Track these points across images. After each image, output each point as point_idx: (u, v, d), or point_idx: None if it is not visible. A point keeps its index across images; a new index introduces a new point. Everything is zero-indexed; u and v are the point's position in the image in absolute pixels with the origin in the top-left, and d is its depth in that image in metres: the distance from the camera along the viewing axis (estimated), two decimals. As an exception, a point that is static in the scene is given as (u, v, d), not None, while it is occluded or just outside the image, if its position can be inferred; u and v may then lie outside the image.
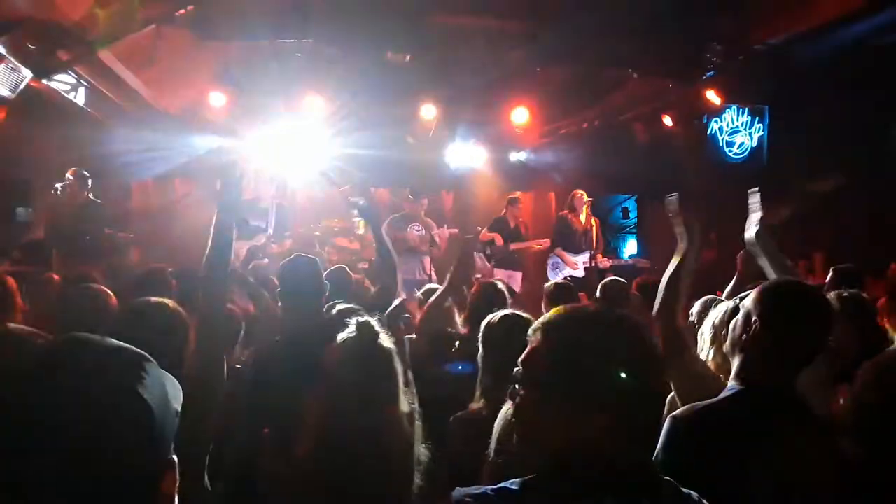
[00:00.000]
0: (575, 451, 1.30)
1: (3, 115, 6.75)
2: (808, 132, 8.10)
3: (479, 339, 2.71)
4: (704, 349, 2.72)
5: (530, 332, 1.43)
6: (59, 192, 6.84)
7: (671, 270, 2.63)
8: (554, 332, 1.38)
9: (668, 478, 1.36)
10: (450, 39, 6.91)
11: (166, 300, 2.42)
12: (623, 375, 1.30)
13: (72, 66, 6.85)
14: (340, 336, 2.00)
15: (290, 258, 3.62)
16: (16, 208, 8.27)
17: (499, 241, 8.83)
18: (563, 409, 1.32)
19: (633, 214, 11.45)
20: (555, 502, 1.28)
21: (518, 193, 9.77)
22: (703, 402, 2.01)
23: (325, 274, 3.64)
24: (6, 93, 6.24)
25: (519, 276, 8.87)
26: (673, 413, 1.98)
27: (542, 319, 1.43)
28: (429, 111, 10.00)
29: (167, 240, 7.93)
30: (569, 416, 1.31)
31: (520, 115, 10.06)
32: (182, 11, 6.42)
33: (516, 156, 11.09)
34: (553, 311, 1.43)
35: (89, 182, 6.93)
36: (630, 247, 11.78)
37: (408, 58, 7.02)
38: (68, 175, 6.87)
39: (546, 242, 8.85)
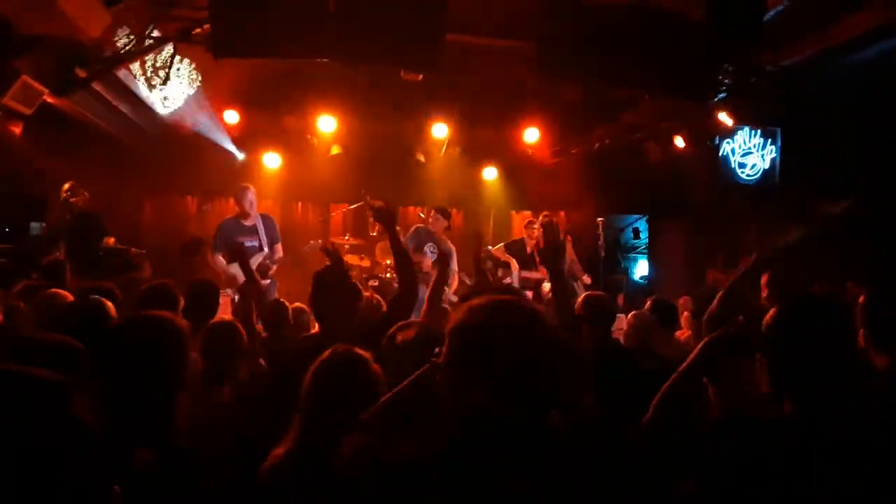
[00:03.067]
0: (474, 416, 1.50)
1: (19, 130, 6.84)
2: (820, 154, 8.08)
3: None
4: None
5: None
6: (62, 206, 6.90)
7: (730, 284, 2.63)
8: (455, 321, 1.62)
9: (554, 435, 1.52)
10: (464, 58, 6.95)
11: (166, 314, 2.35)
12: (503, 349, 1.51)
13: (89, 83, 6.94)
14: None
15: (322, 270, 3.59)
16: (30, 223, 8.36)
17: (514, 267, 8.72)
18: (461, 381, 1.54)
19: (643, 235, 11.43)
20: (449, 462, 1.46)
21: (534, 217, 9.73)
22: (751, 418, 1.99)
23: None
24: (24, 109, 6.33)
25: None
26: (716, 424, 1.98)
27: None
28: (440, 130, 10.07)
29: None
30: (466, 386, 1.53)
31: (531, 135, 10.11)
32: (198, 30, 6.50)
33: (528, 175, 11.11)
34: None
35: (82, 194, 6.97)
36: (641, 268, 11.74)
37: (420, 76, 7.06)
38: (64, 187, 6.91)
39: (587, 279, 8.62)
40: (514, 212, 11.43)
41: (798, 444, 1.86)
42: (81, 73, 6.66)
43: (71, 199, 6.82)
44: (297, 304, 4.89)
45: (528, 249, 8.82)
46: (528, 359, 1.51)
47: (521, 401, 1.50)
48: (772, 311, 2.01)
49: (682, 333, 5.18)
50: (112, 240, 6.75)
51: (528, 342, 1.53)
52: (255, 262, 6.53)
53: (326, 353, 2.34)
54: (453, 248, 8.02)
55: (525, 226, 9.16)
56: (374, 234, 9.19)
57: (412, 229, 8.42)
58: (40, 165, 7.30)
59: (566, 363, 1.64)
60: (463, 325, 1.58)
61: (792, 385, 1.94)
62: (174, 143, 9.70)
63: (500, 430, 1.48)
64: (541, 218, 8.58)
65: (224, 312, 4.90)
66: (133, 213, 9.93)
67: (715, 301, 2.64)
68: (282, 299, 4.94)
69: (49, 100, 6.68)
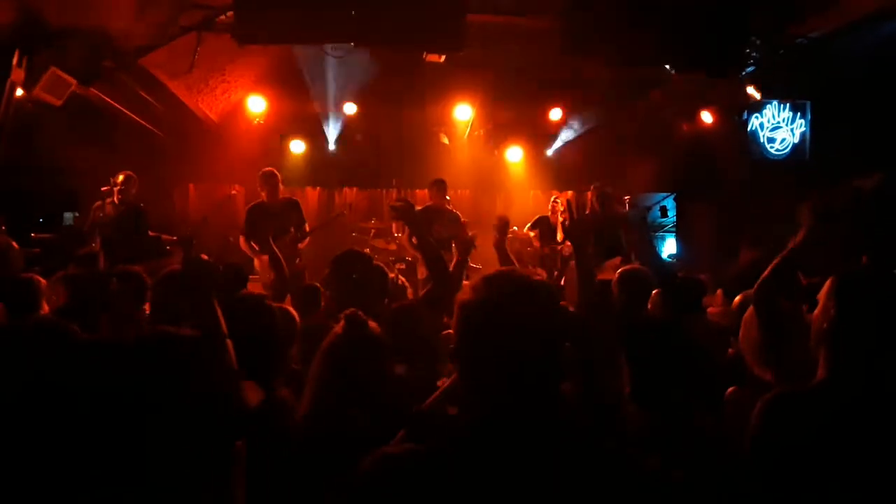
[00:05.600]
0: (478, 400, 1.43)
1: (50, 122, 6.95)
2: (851, 127, 7.94)
3: None
4: None
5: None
6: (106, 196, 6.98)
7: (785, 252, 2.56)
8: (462, 296, 1.51)
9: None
10: (487, 38, 6.92)
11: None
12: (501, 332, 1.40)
13: (115, 73, 7.02)
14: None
15: (342, 253, 3.64)
16: (64, 214, 8.51)
17: (536, 242, 8.76)
18: (465, 371, 1.47)
19: (671, 213, 11.32)
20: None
21: (560, 195, 9.69)
22: (793, 389, 2.01)
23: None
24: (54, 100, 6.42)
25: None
26: (764, 395, 1.98)
27: None
28: (464, 111, 10.05)
29: (210, 243, 8.05)
30: (468, 376, 1.45)
31: (555, 114, 10.05)
32: (222, 17, 6.54)
33: (553, 154, 11.05)
34: None
35: (135, 186, 7.06)
36: (669, 246, 11.65)
37: (443, 58, 7.04)
38: (119, 177, 6.99)
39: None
40: (539, 192, 11.38)
41: (830, 414, 1.88)
42: (108, 64, 6.73)
43: (118, 193, 6.92)
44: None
45: (553, 223, 8.86)
46: (524, 336, 1.42)
47: (518, 380, 1.42)
48: (828, 282, 2.02)
49: (714, 310, 5.14)
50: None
51: (527, 318, 1.43)
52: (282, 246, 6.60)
53: (336, 327, 2.39)
54: (460, 216, 8.09)
55: (552, 201, 9.17)
56: (399, 234, 9.10)
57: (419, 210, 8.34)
58: (71, 156, 7.41)
59: (573, 340, 1.58)
60: (464, 300, 1.49)
61: (835, 352, 1.97)
62: (200, 132, 9.80)
63: (500, 417, 1.40)
64: (569, 195, 8.54)
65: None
66: (163, 201, 10.04)
67: (770, 269, 2.56)
68: (316, 283, 4.99)
69: (78, 91, 6.76)
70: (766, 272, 2.56)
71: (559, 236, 8.87)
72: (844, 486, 1.82)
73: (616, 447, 1.44)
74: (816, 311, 2.06)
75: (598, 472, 1.38)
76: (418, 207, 8.41)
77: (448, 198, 8.24)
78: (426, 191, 8.42)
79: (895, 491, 1.81)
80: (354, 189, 10.99)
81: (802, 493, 1.86)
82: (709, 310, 4.78)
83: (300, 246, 7.11)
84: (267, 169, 7.29)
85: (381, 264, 5.11)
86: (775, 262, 2.57)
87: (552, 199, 9.28)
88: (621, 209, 8.00)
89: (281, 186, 7.25)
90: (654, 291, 4.38)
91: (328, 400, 2.30)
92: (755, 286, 2.57)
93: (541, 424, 1.40)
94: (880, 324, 1.93)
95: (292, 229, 7.04)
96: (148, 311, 3.37)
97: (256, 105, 9.60)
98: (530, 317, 1.42)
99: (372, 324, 2.42)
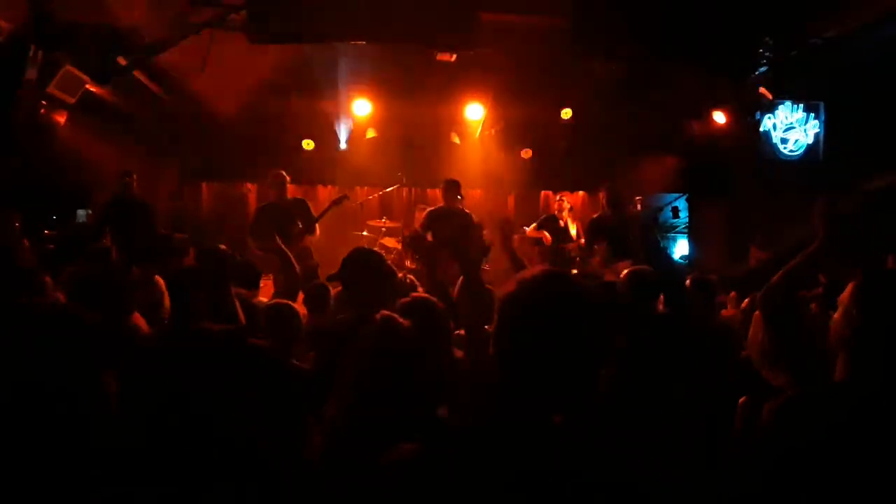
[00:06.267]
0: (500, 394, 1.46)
1: (63, 119, 6.99)
2: (865, 128, 7.88)
3: None
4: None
5: None
6: (114, 194, 7.05)
7: (800, 259, 2.50)
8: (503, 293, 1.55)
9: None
10: (497, 37, 6.91)
11: None
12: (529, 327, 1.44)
13: (129, 70, 7.05)
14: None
15: (353, 251, 3.64)
16: (77, 210, 8.56)
17: (546, 240, 8.76)
18: (495, 358, 1.49)
19: (683, 214, 11.26)
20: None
21: (567, 193, 9.71)
22: (808, 390, 2.00)
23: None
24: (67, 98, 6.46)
25: None
26: (778, 399, 1.97)
27: None
28: (475, 111, 10.05)
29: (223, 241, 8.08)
30: (498, 363, 1.49)
31: (566, 114, 10.03)
32: (234, 15, 6.56)
33: (564, 154, 11.01)
34: None
35: (134, 182, 7.13)
36: (680, 247, 11.59)
37: (454, 57, 7.05)
38: (124, 178, 7.06)
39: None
40: (550, 192, 11.34)
41: (850, 414, 1.86)
42: (122, 61, 6.77)
43: (116, 188, 6.99)
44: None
45: (562, 223, 8.88)
46: (554, 336, 1.43)
47: (531, 378, 1.43)
48: (851, 285, 1.99)
49: (727, 312, 5.13)
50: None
51: (562, 318, 1.44)
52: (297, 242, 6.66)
53: (372, 326, 2.36)
54: (473, 217, 8.00)
55: (556, 200, 9.25)
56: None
57: (426, 213, 8.24)
58: (84, 153, 7.46)
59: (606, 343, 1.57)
60: (504, 297, 1.51)
61: (857, 354, 1.94)
62: (213, 131, 9.83)
63: (504, 417, 1.42)
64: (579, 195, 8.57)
65: (264, 295, 4.97)
66: (175, 199, 10.10)
67: (781, 274, 2.52)
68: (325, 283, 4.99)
69: (91, 88, 6.80)
70: (776, 277, 2.51)
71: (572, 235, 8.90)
72: (862, 487, 1.80)
73: (616, 447, 1.44)
74: (838, 314, 2.02)
75: (598, 472, 1.38)
76: (430, 208, 8.41)
77: (460, 197, 8.15)
78: (438, 190, 8.38)
79: None
80: (366, 188, 10.99)
81: (817, 493, 1.84)
82: (722, 311, 4.76)
83: (309, 240, 7.15)
84: (275, 170, 7.36)
85: (391, 263, 5.14)
86: (788, 268, 2.51)
87: (558, 197, 9.34)
88: (632, 210, 8.00)
89: (290, 186, 7.32)
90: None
91: (355, 400, 2.27)
92: (763, 290, 2.54)
93: (542, 425, 1.41)
94: None
95: (299, 223, 7.10)
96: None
97: (269, 104, 9.63)
98: (560, 318, 1.43)
99: (405, 324, 2.38)
